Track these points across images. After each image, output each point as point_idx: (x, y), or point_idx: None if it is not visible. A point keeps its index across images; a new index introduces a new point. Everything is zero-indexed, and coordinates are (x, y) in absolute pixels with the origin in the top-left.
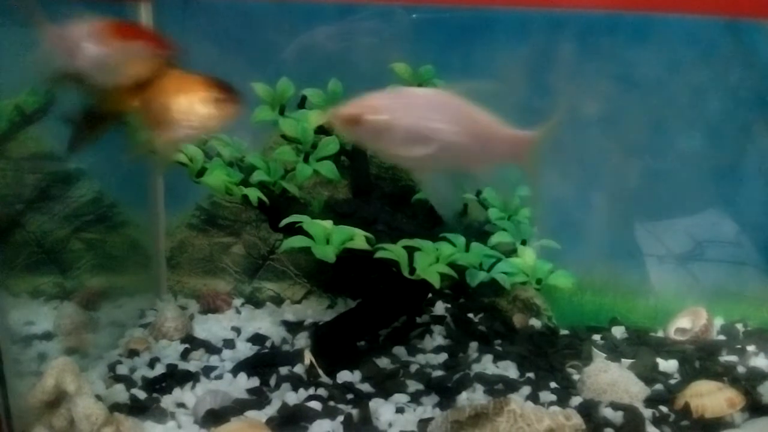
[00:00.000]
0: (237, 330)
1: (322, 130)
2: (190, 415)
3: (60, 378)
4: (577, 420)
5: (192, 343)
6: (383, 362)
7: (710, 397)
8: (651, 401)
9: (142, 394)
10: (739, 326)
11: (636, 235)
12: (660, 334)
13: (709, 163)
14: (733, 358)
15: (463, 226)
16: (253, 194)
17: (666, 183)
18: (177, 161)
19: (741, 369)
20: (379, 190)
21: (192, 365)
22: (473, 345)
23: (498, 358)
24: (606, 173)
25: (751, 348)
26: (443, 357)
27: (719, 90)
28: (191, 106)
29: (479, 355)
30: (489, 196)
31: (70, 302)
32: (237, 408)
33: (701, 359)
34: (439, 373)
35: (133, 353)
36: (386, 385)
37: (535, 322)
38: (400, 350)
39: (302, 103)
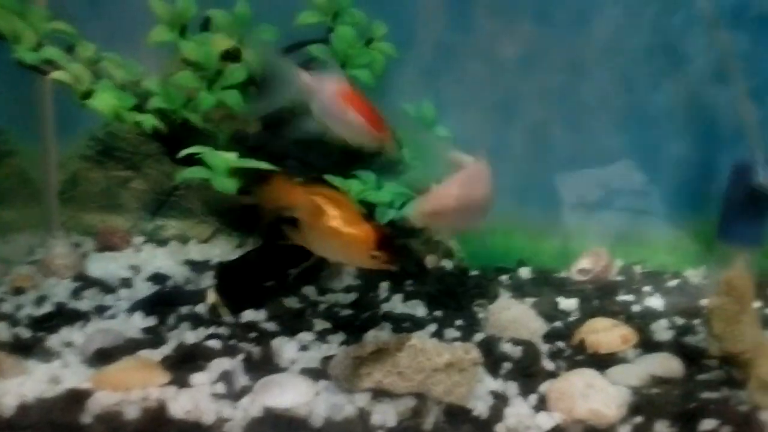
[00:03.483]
0: (136, 269)
1: (229, 56)
2: (78, 354)
3: None
4: (476, 354)
5: (84, 281)
6: (291, 302)
7: (605, 334)
8: (549, 337)
9: (26, 333)
10: (637, 268)
11: (547, 179)
12: (563, 274)
13: (624, 113)
14: (629, 297)
15: (377, 165)
16: (149, 122)
17: (580, 130)
18: (61, 81)
19: (636, 308)
20: (292, 125)
21: (83, 304)
22: (384, 285)
23: (408, 297)
24: (521, 116)
25: (646, 289)
26: (353, 297)
27: (633, 34)
28: (349, 252)
29: (389, 295)
30: (405, 135)
31: None
32: (129, 347)
33: (599, 298)
34: (347, 312)
35: (18, 291)
36: (292, 324)
37: (447, 263)
38: (309, 290)
39: (206, 25)
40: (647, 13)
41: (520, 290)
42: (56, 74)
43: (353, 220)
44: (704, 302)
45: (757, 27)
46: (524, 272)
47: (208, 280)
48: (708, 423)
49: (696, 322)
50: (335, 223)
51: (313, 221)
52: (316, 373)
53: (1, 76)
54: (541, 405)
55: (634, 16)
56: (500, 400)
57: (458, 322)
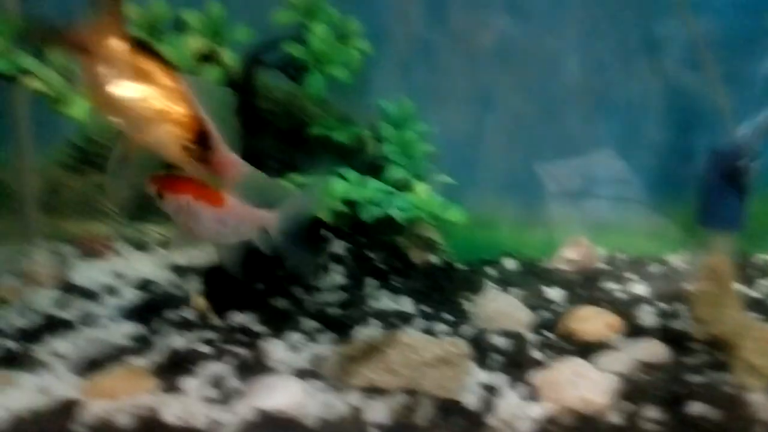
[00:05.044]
0: (120, 275)
1: (204, 59)
2: (67, 364)
3: None
4: (465, 347)
5: (69, 290)
6: (280, 303)
7: (591, 322)
8: (536, 327)
9: (13, 345)
10: (620, 255)
11: (529, 171)
12: (548, 264)
13: (602, 102)
14: (613, 285)
15: (359, 162)
16: None
17: (558, 120)
18: (34, 89)
19: (621, 295)
20: (272, 126)
21: (69, 313)
22: (371, 282)
23: (395, 293)
24: (500, 108)
25: (630, 275)
26: (341, 295)
27: (612, 28)
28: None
29: (377, 292)
30: (385, 131)
31: None
32: (117, 355)
33: (584, 287)
34: (336, 311)
35: (2, 302)
36: (281, 325)
37: (433, 258)
38: (297, 290)
39: (180, 27)
40: (622, 1)
41: (506, 282)
42: (29, 82)
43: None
44: (687, 287)
45: (731, 11)
46: (509, 264)
47: (194, 284)
48: (696, 406)
49: (680, 306)
50: (158, 104)
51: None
52: (307, 374)
53: None
54: (532, 395)
55: (609, 5)
56: (491, 392)
57: (446, 316)
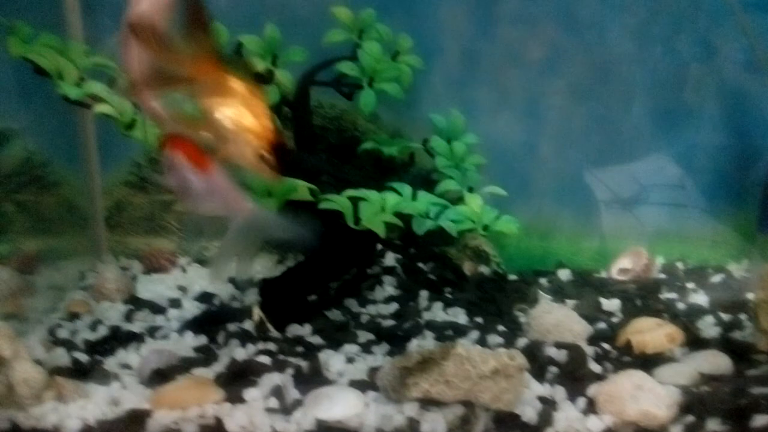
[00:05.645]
0: (183, 289)
1: (261, 79)
2: (135, 375)
3: None
4: (521, 360)
5: (135, 303)
6: (334, 314)
7: (651, 333)
8: (594, 339)
9: (84, 357)
10: (679, 265)
11: (581, 179)
12: (604, 275)
13: (655, 107)
14: (673, 295)
15: (410, 176)
16: None
17: (612, 127)
18: (105, 114)
19: (680, 305)
20: (324, 141)
21: (136, 326)
22: (423, 294)
23: (448, 305)
24: (552, 118)
25: (690, 285)
26: (394, 307)
27: (663, 33)
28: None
29: (429, 303)
30: (436, 144)
31: (5, 267)
32: (183, 366)
33: (642, 297)
34: (389, 322)
35: (73, 316)
36: (337, 336)
37: (485, 269)
38: (351, 302)
39: (238, 50)
40: (676, 5)
41: (560, 293)
42: (101, 108)
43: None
44: (749, 296)
45: None
46: (563, 274)
47: (252, 296)
48: (761, 419)
49: (742, 316)
50: (233, 114)
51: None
52: (364, 385)
53: (46, 110)
54: (591, 408)
55: (663, 9)
56: (549, 405)
57: (500, 328)
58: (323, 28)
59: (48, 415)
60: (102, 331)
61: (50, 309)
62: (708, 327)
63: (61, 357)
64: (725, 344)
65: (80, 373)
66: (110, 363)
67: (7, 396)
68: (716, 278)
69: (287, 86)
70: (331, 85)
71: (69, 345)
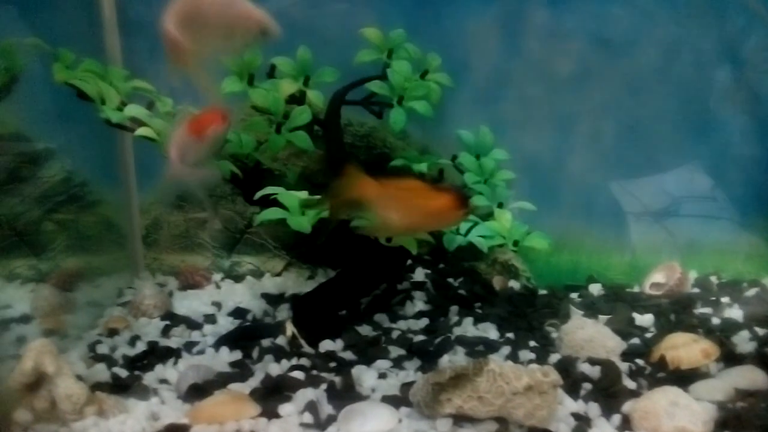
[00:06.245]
0: (217, 305)
1: (294, 100)
2: (173, 390)
3: (39, 360)
4: (555, 376)
5: (172, 319)
6: (365, 330)
7: (685, 349)
8: (627, 355)
9: (123, 373)
10: (713, 279)
11: (611, 193)
12: (636, 289)
13: (684, 119)
14: (707, 310)
15: None
16: (225, 167)
17: (642, 139)
18: (144, 136)
19: (715, 320)
20: (354, 159)
21: (173, 341)
22: (454, 309)
23: (478, 320)
24: (580, 132)
25: (724, 300)
26: (424, 322)
27: (691, 45)
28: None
29: (460, 319)
30: (464, 160)
31: (46, 284)
32: (220, 381)
33: (676, 312)
34: (420, 337)
35: (112, 332)
36: (368, 352)
37: (515, 284)
38: (381, 317)
39: (271, 72)
40: (705, 17)
41: (592, 308)
42: (141, 131)
43: (432, 192)
44: None
45: None
46: (594, 289)
47: (284, 312)
48: None
49: None
50: (421, 199)
51: (392, 205)
52: (397, 400)
53: (87, 132)
54: (625, 425)
55: (692, 22)
56: (583, 422)
57: (532, 344)
58: (354, 49)
59: (89, 430)
60: (140, 347)
61: (90, 325)
62: (743, 342)
63: (101, 372)
64: (761, 359)
65: (120, 388)
66: (149, 378)
67: (51, 411)
68: (751, 292)
69: (319, 106)
70: (361, 104)
71: (109, 361)
